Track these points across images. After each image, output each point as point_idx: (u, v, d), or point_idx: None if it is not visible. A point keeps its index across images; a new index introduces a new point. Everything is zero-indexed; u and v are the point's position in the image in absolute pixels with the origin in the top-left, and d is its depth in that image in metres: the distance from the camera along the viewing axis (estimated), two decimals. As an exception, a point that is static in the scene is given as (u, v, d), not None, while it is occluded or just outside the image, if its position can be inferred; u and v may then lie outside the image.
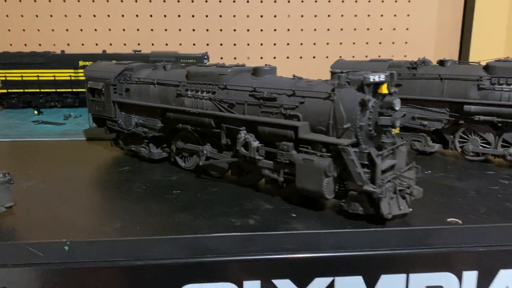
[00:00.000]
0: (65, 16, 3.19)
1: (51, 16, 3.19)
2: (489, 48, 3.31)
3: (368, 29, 3.33)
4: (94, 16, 3.21)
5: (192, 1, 3.24)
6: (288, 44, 3.36)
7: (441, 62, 1.80)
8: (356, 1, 3.30)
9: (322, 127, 1.21)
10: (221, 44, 3.32)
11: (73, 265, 1.08)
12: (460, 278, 1.16)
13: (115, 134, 1.88)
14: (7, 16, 3.17)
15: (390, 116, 1.15)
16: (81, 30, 3.23)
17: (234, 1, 3.25)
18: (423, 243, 1.15)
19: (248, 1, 3.26)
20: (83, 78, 2.92)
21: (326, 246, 1.13)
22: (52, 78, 2.97)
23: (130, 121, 1.76)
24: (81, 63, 2.96)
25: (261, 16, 3.28)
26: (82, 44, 3.24)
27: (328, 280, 1.13)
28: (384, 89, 1.16)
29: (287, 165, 1.26)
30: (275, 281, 1.12)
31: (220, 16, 3.27)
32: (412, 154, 1.85)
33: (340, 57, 2.47)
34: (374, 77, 1.13)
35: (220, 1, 3.25)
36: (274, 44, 3.35)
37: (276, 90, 1.31)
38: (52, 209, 1.29)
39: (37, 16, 3.19)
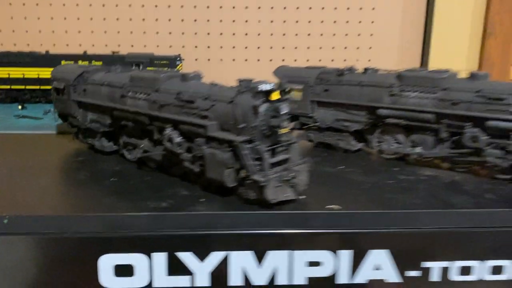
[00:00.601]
0: (51, 18, 3.44)
1: (38, 18, 3.44)
2: (448, 55, 3.51)
3: (334, 34, 3.53)
4: (78, 19, 3.46)
5: (169, 6, 3.47)
6: (259, 47, 3.58)
7: (365, 70, 2.01)
8: (322, 8, 3.51)
9: (227, 126, 1.44)
10: (195, 47, 3.55)
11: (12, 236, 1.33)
12: (337, 255, 1.39)
13: (76, 128, 2.12)
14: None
15: (278, 118, 1.37)
16: (66, 31, 3.48)
17: (208, 7, 3.48)
18: (304, 224, 1.38)
19: (221, 7, 3.49)
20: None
21: (222, 225, 1.36)
22: (37, 76, 3.22)
23: (86, 117, 2.00)
24: (63, 62, 3.20)
25: (233, 20, 3.51)
26: (67, 45, 3.49)
27: (223, 253, 1.36)
28: (274, 96, 1.38)
29: (200, 158, 1.49)
30: (178, 254, 1.36)
31: (195, 20, 3.51)
32: (340, 151, 2.08)
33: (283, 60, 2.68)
34: (263, 86, 1.36)
35: (194, 7, 3.48)
36: (246, 47, 3.57)
37: (195, 94, 1.54)
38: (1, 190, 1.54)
39: (25, 18, 3.44)
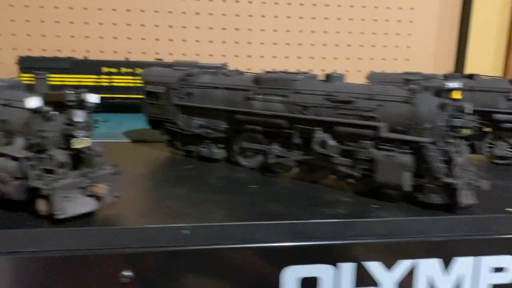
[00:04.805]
0: (86, 23, 3.26)
1: (71, 22, 3.24)
2: (483, 61, 3.62)
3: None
4: (115, 24, 3.29)
5: (211, 14, 3.38)
6: (299, 57, 3.54)
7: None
8: (363, 20, 3.53)
9: (401, 127, 1.37)
10: (236, 56, 3.47)
11: (192, 248, 1.19)
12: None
13: (170, 135, 1.97)
14: (27, 21, 3.20)
15: (462, 119, 1.32)
16: (101, 37, 3.30)
17: (250, 16, 3.41)
18: (489, 229, 1.32)
19: (263, 16, 3.43)
20: (106, 84, 3.03)
21: (412, 232, 1.28)
22: (76, 83, 3.02)
23: (191, 123, 1.87)
24: (104, 69, 3.03)
25: (275, 30, 3.46)
26: (101, 51, 3.31)
27: (410, 262, 1.28)
28: (455, 95, 1.34)
29: (365, 161, 1.41)
30: (366, 263, 1.26)
31: (237, 29, 3.43)
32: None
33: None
34: (451, 84, 1.31)
35: (237, 15, 3.40)
36: (286, 57, 3.52)
37: (351, 94, 1.47)
38: (149, 200, 1.39)
39: (57, 22, 3.23)
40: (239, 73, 1.88)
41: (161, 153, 2.02)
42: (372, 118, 1.41)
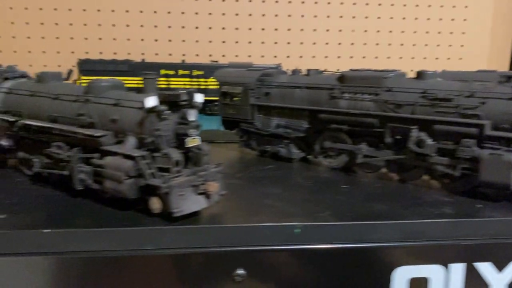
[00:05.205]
0: (141, 26, 3.29)
1: (127, 25, 3.29)
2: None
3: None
4: (170, 27, 3.32)
5: (263, 15, 3.38)
6: (351, 57, 3.51)
7: (308, 72, 1.86)
8: (416, 19, 3.47)
9: (507, 124, 1.33)
10: (288, 56, 3.46)
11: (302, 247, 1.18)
12: None
13: (246, 136, 1.97)
14: (85, 25, 3.26)
15: None
16: (156, 40, 3.33)
17: (302, 16, 3.40)
18: None
19: (315, 16, 3.41)
20: (164, 85, 3.06)
21: (523, 232, 1.25)
22: (135, 85, 3.05)
23: (269, 123, 1.86)
24: (162, 71, 3.05)
25: (327, 30, 3.44)
26: (156, 54, 3.34)
27: (524, 263, 1.24)
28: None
29: (466, 160, 1.38)
30: (477, 264, 1.23)
31: (289, 29, 3.42)
32: None
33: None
34: None
35: (289, 16, 3.39)
36: (338, 57, 3.50)
37: (450, 92, 1.43)
38: (247, 199, 1.39)
39: (113, 25, 3.28)
40: (318, 72, 1.86)
41: (233, 153, 2.02)
42: (474, 116, 1.38)
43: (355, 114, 1.61)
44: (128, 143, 1.21)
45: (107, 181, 1.20)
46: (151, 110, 1.17)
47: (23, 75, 1.69)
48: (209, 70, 3.04)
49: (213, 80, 3.06)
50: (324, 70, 1.92)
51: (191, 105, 1.22)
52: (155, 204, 1.17)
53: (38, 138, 1.43)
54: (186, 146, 1.20)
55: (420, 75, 1.55)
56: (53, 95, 1.41)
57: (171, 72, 3.07)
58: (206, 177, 1.21)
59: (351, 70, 1.72)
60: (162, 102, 1.19)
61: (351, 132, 1.66)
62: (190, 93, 1.21)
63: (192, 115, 1.20)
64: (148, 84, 1.26)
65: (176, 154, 1.18)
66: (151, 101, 1.15)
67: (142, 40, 3.32)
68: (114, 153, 1.20)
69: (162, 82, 3.05)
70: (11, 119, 1.48)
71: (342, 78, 1.68)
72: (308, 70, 1.85)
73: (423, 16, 3.52)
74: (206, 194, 1.21)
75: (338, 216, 1.24)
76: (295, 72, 1.90)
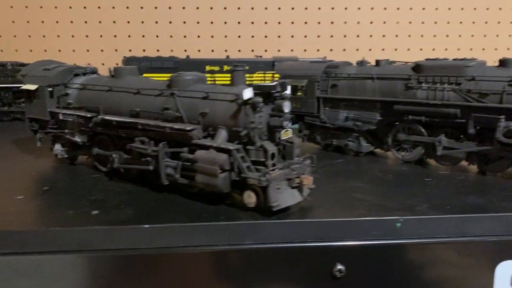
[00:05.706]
0: (184, 22, 3.28)
1: (170, 22, 3.28)
2: None
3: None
4: (212, 23, 3.30)
5: (306, 9, 3.33)
6: (396, 49, 3.44)
7: (377, 62, 1.80)
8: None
9: None
10: (331, 50, 3.41)
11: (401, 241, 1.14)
12: None
13: (310, 129, 1.93)
14: (128, 22, 3.26)
15: None
16: (198, 36, 3.32)
17: (345, 8, 3.35)
18: None
19: (359, 8, 3.35)
20: (210, 82, 3.04)
21: None
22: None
23: (337, 116, 1.82)
24: (207, 68, 3.03)
25: (371, 22, 3.38)
26: (199, 50, 3.33)
27: None
28: None
29: None
30: None
31: (332, 22, 3.37)
32: None
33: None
34: None
35: (332, 8, 3.34)
36: (383, 50, 3.43)
37: (541, 80, 1.37)
38: (334, 193, 1.35)
39: (156, 22, 3.28)
40: (388, 62, 1.81)
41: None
42: None
43: (436, 105, 1.55)
44: (220, 136, 1.19)
45: (198, 175, 1.17)
46: (246, 102, 1.14)
47: (93, 71, 1.68)
48: (254, 65, 3.01)
49: (259, 75, 3.05)
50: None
51: (282, 97, 1.19)
52: (250, 197, 1.14)
53: (117, 134, 1.42)
54: (281, 138, 1.17)
55: (504, 63, 1.49)
56: (134, 89, 1.39)
57: (216, 68, 3.04)
58: (299, 170, 1.18)
59: (427, 59, 1.66)
60: (255, 94, 1.16)
61: (427, 124, 1.61)
62: (283, 84, 1.18)
63: (287, 107, 1.16)
64: (237, 76, 1.23)
65: (271, 147, 1.15)
66: (248, 93, 1.12)
67: (184, 36, 3.31)
68: (206, 147, 1.17)
69: (208, 79, 3.02)
70: (89, 115, 1.46)
71: (417, 67, 1.63)
72: (377, 61, 1.80)
73: (470, 6, 3.44)
74: (299, 188, 1.18)
75: (437, 209, 1.20)
76: (363, 63, 1.85)
